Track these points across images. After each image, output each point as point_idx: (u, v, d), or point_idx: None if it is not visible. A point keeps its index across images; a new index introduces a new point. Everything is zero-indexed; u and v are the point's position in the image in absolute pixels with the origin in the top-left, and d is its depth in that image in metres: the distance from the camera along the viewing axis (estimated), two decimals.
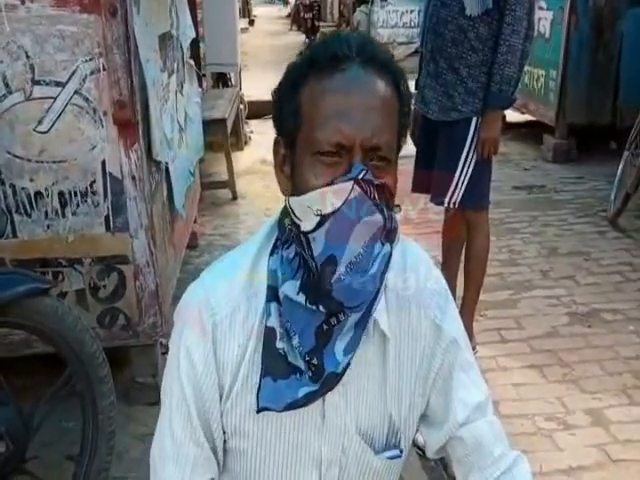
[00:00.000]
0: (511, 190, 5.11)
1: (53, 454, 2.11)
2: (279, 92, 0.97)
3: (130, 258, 2.34)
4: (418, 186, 2.71)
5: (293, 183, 0.95)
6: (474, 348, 2.66)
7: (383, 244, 0.92)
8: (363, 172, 0.88)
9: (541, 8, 5.82)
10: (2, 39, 2.10)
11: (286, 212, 0.97)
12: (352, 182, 0.88)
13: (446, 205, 2.64)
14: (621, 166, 4.42)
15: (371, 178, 0.89)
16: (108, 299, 2.38)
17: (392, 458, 1.07)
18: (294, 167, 0.95)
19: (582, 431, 2.40)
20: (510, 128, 6.66)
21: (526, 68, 5.93)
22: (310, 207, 0.90)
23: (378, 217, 0.90)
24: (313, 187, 0.90)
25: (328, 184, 0.89)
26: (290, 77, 0.96)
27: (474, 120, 2.52)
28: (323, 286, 0.90)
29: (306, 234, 0.91)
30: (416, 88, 2.70)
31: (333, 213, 0.88)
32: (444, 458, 1.15)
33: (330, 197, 0.88)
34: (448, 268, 2.75)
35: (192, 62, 3.72)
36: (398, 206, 0.96)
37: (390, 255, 0.95)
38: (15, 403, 1.84)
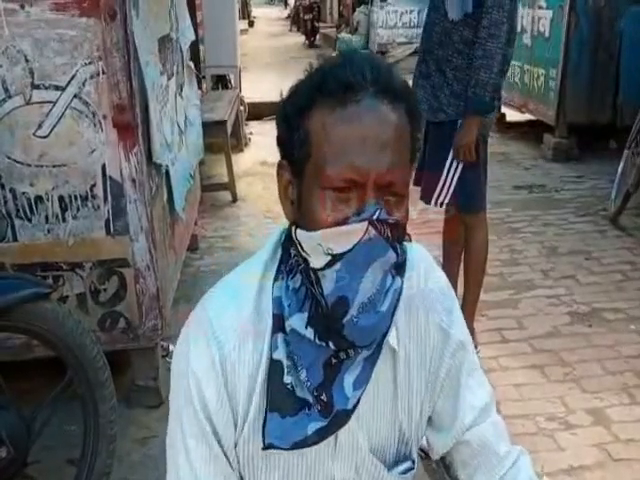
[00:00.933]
0: (511, 189, 5.11)
1: (54, 458, 2.11)
2: (284, 114, 0.91)
3: (130, 261, 2.34)
4: (416, 183, 2.73)
5: (300, 212, 0.91)
6: (476, 347, 2.66)
7: (394, 277, 0.89)
8: (378, 212, 0.83)
9: (540, 7, 5.84)
10: (1, 43, 2.10)
11: (291, 239, 0.92)
12: (366, 223, 0.83)
13: (432, 205, 2.66)
14: (621, 165, 4.42)
15: (386, 217, 0.84)
16: (109, 302, 2.38)
17: (404, 472, 1.04)
18: (301, 196, 0.90)
19: (583, 431, 2.40)
20: (510, 127, 6.69)
21: (526, 67, 6.01)
22: (320, 245, 0.85)
23: (391, 255, 0.86)
24: (323, 223, 0.85)
25: (340, 223, 0.84)
26: (297, 100, 0.89)
27: (460, 123, 2.53)
28: (333, 325, 0.86)
29: (315, 271, 0.87)
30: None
31: (345, 253, 0.84)
32: (445, 460, 1.14)
33: (343, 238, 0.84)
34: (448, 268, 2.75)
35: (192, 64, 3.72)
36: (409, 236, 0.92)
37: (401, 289, 0.90)
38: (16, 407, 1.84)
